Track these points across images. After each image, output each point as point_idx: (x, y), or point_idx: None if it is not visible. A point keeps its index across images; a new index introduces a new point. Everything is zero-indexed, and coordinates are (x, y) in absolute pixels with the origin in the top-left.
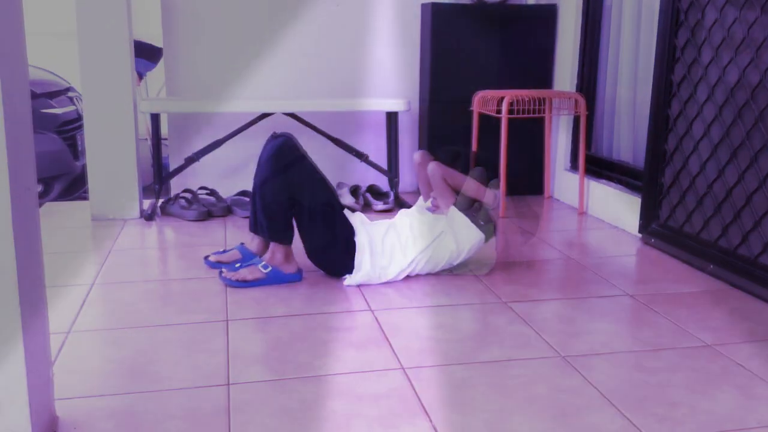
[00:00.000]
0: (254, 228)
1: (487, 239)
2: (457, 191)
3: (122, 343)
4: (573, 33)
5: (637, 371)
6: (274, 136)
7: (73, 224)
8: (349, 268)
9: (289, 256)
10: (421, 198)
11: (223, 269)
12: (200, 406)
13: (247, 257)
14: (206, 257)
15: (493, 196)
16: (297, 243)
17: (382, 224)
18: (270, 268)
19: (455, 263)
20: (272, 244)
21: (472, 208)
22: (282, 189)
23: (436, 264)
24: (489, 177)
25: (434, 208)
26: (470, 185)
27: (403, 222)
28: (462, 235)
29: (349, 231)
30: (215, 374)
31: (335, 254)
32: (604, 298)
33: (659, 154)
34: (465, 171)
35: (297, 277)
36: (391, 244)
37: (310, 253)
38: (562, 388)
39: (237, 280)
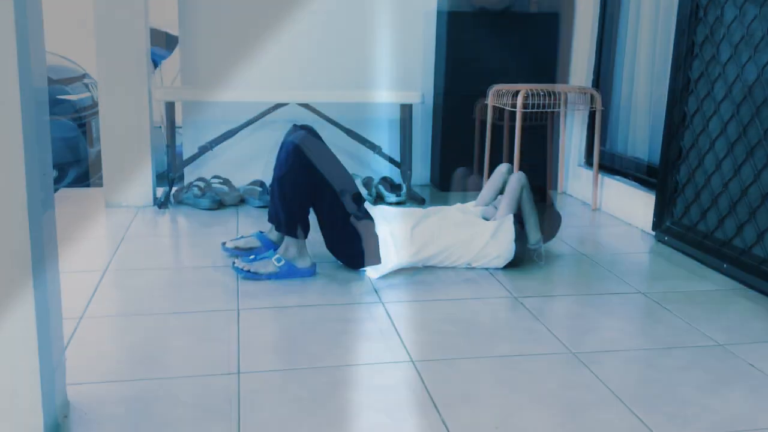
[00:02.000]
0: (271, 217)
1: (508, 264)
2: (520, 209)
3: (134, 330)
4: (590, 28)
5: (647, 369)
6: (295, 128)
7: (87, 211)
8: (371, 261)
9: (303, 251)
10: (469, 204)
11: (236, 260)
12: (210, 394)
13: (265, 245)
14: (223, 243)
15: (539, 239)
16: (312, 236)
17: (414, 214)
18: (283, 262)
19: (474, 264)
20: (287, 238)
21: (520, 231)
22: (302, 184)
23: (459, 257)
24: (548, 226)
25: (487, 217)
26: (533, 213)
27: (454, 213)
28: (501, 243)
29: (369, 224)
30: (226, 363)
31: (356, 247)
32: (616, 295)
33: (675, 151)
34: (534, 203)
35: (310, 272)
36: (422, 232)
37: (331, 246)
38: (572, 385)
39: (250, 272)
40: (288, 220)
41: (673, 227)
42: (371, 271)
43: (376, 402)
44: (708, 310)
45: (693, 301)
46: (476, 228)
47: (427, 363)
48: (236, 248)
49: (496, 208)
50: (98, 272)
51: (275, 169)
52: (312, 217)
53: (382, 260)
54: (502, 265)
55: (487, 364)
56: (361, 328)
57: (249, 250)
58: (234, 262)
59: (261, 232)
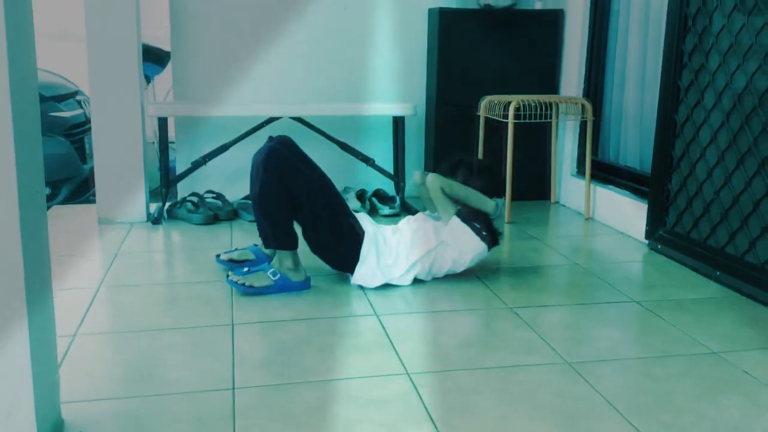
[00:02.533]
0: (261, 236)
1: (490, 248)
2: (458, 201)
3: (128, 347)
4: (580, 38)
5: (643, 378)
6: (270, 140)
7: (80, 227)
8: (353, 259)
9: (297, 263)
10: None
11: (230, 272)
12: (205, 410)
13: (260, 257)
14: (218, 255)
15: (494, 206)
16: (303, 249)
17: (389, 226)
18: (279, 276)
19: (458, 270)
20: (279, 252)
21: (476, 217)
22: (279, 194)
23: (439, 269)
24: (492, 185)
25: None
26: (470, 195)
27: (407, 227)
28: (463, 244)
29: (355, 225)
30: (220, 378)
31: (342, 248)
32: (610, 305)
33: (666, 159)
34: (467, 181)
35: (305, 285)
36: (397, 243)
37: (316, 250)
38: (567, 395)
39: (244, 285)
40: (275, 233)
41: (665, 236)
42: (355, 275)
43: (371, 416)
44: (702, 318)
45: (686, 309)
46: (437, 237)
47: (423, 375)
48: (230, 260)
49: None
50: (92, 289)
51: (251, 188)
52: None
53: (366, 261)
54: (486, 254)
55: (483, 375)
56: (355, 342)
57: (243, 263)
58: (228, 275)
59: (255, 245)
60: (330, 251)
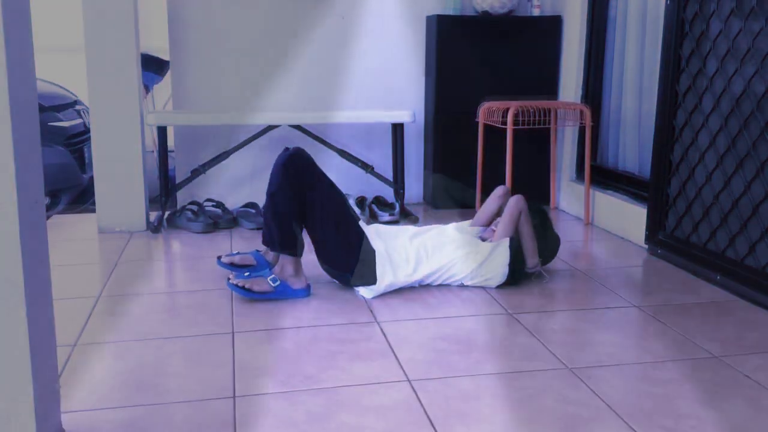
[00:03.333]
0: (266, 240)
1: (500, 284)
2: (518, 233)
3: (128, 356)
4: (578, 44)
5: (644, 383)
6: (286, 150)
7: (80, 236)
8: (367, 279)
9: (298, 271)
10: (464, 223)
11: (231, 275)
12: (206, 418)
13: (261, 264)
14: (219, 257)
15: (536, 263)
16: (306, 257)
17: (408, 231)
18: (279, 282)
19: (467, 283)
20: (282, 257)
21: (517, 255)
22: (293, 198)
23: (452, 276)
24: (548, 250)
25: (485, 238)
26: (531, 238)
27: (450, 231)
28: (492, 266)
29: (363, 241)
30: (221, 387)
31: (351, 262)
32: (610, 310)
33: (665, 164)
34: (535, 230)
35: (305, 292)
36: (417, 249)
37: (324, 262)
38: (569, 400)
39: (243, 288)
40: (282, 236)
41: (665, 240)
42: (365, 291)
43: (373, 422)
44: (703, 322)
45: (687, 313)
46: (471, 247)
47: (424, 382)
48: (231, 263)
49: (493, 230)
50: (92, 298)
51: (268, 187)
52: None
53: (377, 279)
54: (494, 286)
55: (484, 381)
56: (356, 349)
57: (243, 267)
58: (229, 278)
59: (257, 251)
60: (338, 265)
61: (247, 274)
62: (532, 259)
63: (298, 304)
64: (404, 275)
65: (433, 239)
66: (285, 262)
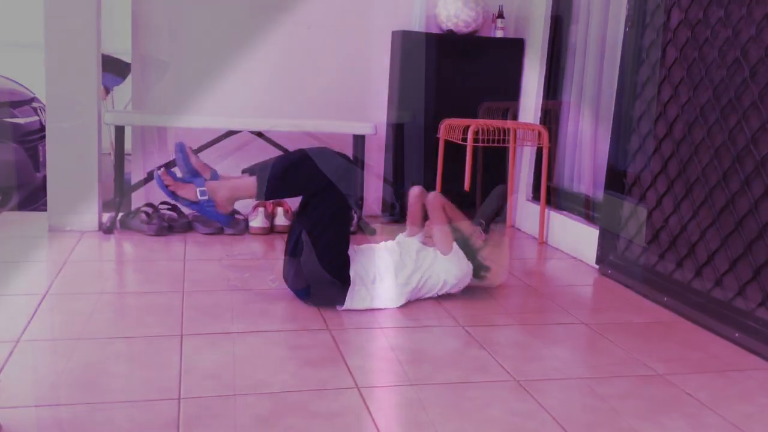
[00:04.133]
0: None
1: (475, 272)
2: (450, 223)
3: (72, 354)
4: (539, 67)
5: (589, 397)
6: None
7: (29, 234)
8: (344, 279)
9: (232, 201)
10: (402, 234)
11: (161, 170)
12: (150, 419)
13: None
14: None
15: (483, 237)
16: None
17: (368, 249)
18: (206, 198)
19: (440, 293)
20: (234, 179)
21: (466, 244)
22: (321, 178)
23: (422, 291)
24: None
25: (425, 241)
26: (467, 227)
27: (389, 248)
28: (453, 269)
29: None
30: (167, 388)
31: (333, 262)
32: (559, 326)
33: (618, 187)
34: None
35: (225, 219)
36: (379, 268)
37: (321, 260)
38: (515, 412)
39: (167, 187)
40: (274, 172)
41: (616, 261)
42: (348, 300)
43: (320, 428)
44: (648, 341)
45: (634, 332)
46: (431, 254)
47: (373, 390)
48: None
49: (428, 236)
50: (38, 296)
51: (295, 152)
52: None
53: (355, 286)
54: (461, 287)
55: (432, 390)
56: (307, 355)
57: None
58: (158, 172)
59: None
60: (329, 266)
61: (180, 176)
62: (474, 240)
63: (249, 309)
64: (370, 290)
65: (390, 258)
66: (233, 186)
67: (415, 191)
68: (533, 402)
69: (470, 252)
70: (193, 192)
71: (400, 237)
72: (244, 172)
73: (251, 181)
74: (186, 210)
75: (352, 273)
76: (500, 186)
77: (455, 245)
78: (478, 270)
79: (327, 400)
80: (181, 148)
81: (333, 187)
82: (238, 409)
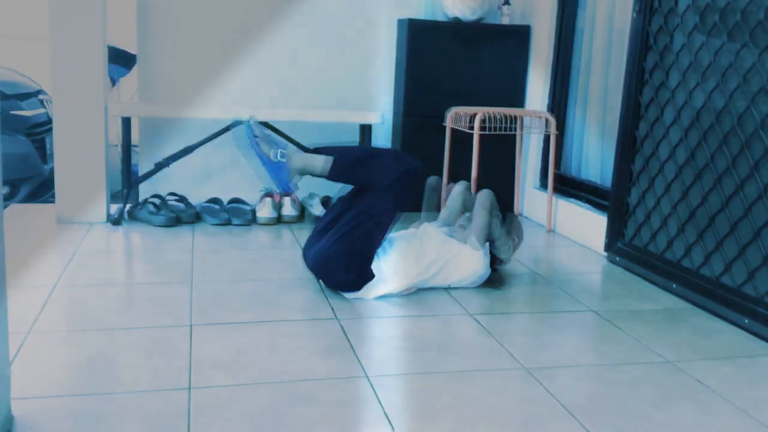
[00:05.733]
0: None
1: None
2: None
3: (83, 345)
4: (546, 54)
5: (598, 384)
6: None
7: (38, 227)
8: (364, 275)
9: (304, 172)
10: (428, 223)
11: (254, 119)
12: (160, 409)
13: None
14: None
15: (508, 255)
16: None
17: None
18: (284, 161)
19: (452, 285)
20: (312, 156)
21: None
22: (391, 178)
23: (444, 278)
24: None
25: (458, 230)
26: (502, 234)
27: (407, 237)
28: (477, 263)
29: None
30: (177, 378)
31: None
32: (568, 314)
33: (626, 174)
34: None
35: (292, 188)
36: (396, 261)
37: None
38: (524, 399)
39: (255, 136)
40: (345, 152)
41: (624, 248)
42: (366, 291)
43: (329, 417)
44: (657, 329)
45: (643, 319)
46: (455, 247)
47: (382, 378)
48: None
49: (462, 226)
50: (48, 287)
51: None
52: None
53: (381, 275)
54: (477, 285)
55: (442, 379)
56: (316, 344)
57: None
58: (250, 120)
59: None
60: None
61: (269, 132)
62: (506, 251)
63: (258, 299)
64: (401, 283)
65: (422, 244)
66: (309, 156)
67: (459, 187)
68: (543, 390)
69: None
70: (273, 151)
71: (426, 225)
72: (316, 149)
73: (329, 159)
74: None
75: (373, 266)
76: (515, 218)
77: (487, 245)
78: (505, 254)
79: (336, 390)
80: (248, 126)
81: (398, 187)
82: (247, 398)
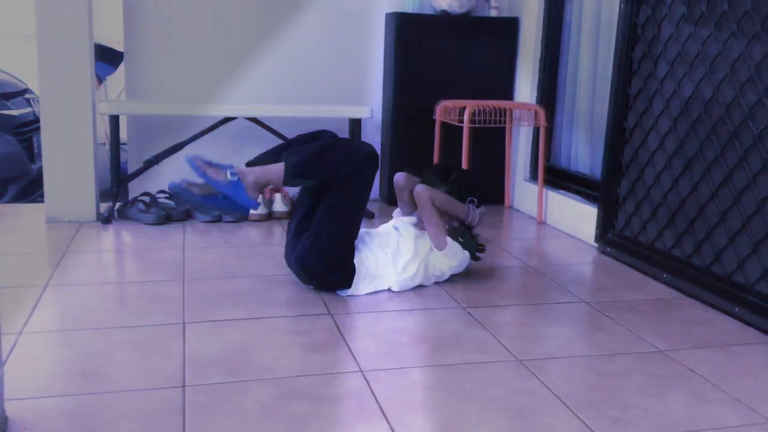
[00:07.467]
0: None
1: (472, 256)
2: (444, 212)
3: (75, 345)
4: (534, 46)
5: (591, 375)
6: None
7: (27, 226)
8: (349, 271)
9: (258, 189)
10: (397, 211)
11: (194, 155)
12: (155, 407)
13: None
14: (187, 155)
15: (478, 216)
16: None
17: (366, 234)
18: (237, 179)
19: (440, 280)
20: (263, 168)
21: (456, 231)
22: (349, 166)
23: (421, 280)
24: (470, 192)
25: (420, 226)
26: (457, 207)
27: (388, 233)
28: (450, 260)
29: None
30: (171, 376)
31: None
32: (560, 305)
33: (615, 165)
34: (454, 191)
35: (253, 204)
36: (378, 255)
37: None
38: (518, 391)
39: (200, 168)
40: (303, 155)
41: (615, 239)
42: (353, 288)
43: (324, 412)
44: (649, 318)
45: (635, 309)
46: (428, 243)
47: (376, 372)
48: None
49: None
50: (39, 287)
51: (346, 148)
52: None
53: (360, 271)
54: (461, 270)
55: (435, 372)
56: (309, 339)
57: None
58: (189, 157)
59: (232, 166)
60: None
61: (210, 161)
62: (471, 219)
63: (251, 296)
64: (393, 280)
65: (391, 245)
66: (259, 173)
67: (398, 181)
68: (536, 381)
69: (468, 238)
70: (224, 175)
71: (396, 217)
72: (248, 164)
73: (280, 166)
74: (197, 193)
75: (356, 261)
76: (418, 192)
77: (449, 240)
78: (474, 253)
79: (331, 385)
80: (191, 161)
81: (358, 176)
82: (242, 395)
